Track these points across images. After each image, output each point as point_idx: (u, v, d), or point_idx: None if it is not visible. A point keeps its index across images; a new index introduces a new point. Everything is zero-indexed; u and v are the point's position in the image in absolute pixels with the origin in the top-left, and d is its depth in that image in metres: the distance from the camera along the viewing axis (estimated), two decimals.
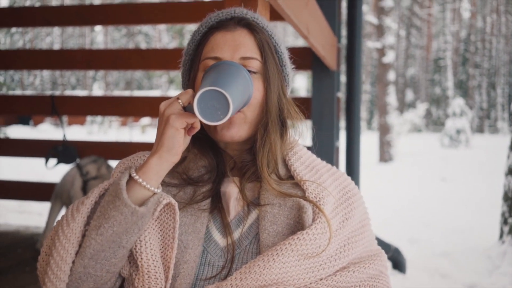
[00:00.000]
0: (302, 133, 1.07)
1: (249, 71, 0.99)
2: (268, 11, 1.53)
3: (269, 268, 0.89)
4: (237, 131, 0.98)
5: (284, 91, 1.05)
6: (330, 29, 2.84)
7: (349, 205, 1.04)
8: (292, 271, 0.91)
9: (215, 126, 0.98)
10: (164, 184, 1.02)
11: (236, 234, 0.99)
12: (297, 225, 0.96)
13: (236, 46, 0.99)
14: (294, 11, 1.78)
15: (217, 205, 1.01)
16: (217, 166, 1.04)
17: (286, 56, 1.07)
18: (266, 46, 1.01)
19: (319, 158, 1.15)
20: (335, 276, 0.96)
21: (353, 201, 1.06)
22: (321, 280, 0.95)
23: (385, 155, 15.08)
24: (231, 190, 1.02)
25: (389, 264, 3.57)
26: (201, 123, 0.92)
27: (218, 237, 0.99)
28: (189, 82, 1.05)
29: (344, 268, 0.99)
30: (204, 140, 1.04)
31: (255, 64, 0.99)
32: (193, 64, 1.04)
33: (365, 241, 1.06)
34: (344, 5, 4.06)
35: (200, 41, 1.03)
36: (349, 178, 1.13)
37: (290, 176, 1.03)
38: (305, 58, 3.21)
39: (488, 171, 11.94)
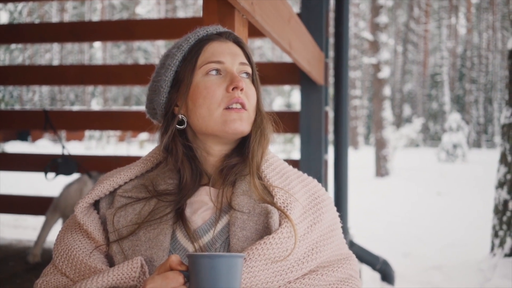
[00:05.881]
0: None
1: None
2: (246, 28, 1.56)
3: None
4: (247, 125, 1.06)
5: None
6: (316, 44, 2.89)
7: (318, 210, 1.07)
8: (260, 275, 0.93)
9: (224, 120, 1.03)
10: (132, 198, 1.06)
11: (207, 238, 1.01)
12: (266, 231, 0.99)
13: (233, 53, 1.09)
14: (274, 27, 1.80)
15: (180, 216, 1.03)
16: (192, 177, 1.07)
17: None
18: (251, 56, 1.13)
19: (290, 166, 1.18)
20: (303, 279, 0.98)
21: (322, 206, 1.09)
22: (289, 283, 0.97)
23: (381, 170, 15.10)
24: (202, 198, 1.05)
25: (378, 276, 3.59)
26: (194, 122, 1.05)
27: (186, 244, 1.01)
28: (182, 90, 1.07)
29: (312, 271, 1.01)
30: (185, 153, 1.08)
31: (249, 70, 1.11)
32: (184, 71, 1.07)
33: (334, 245, 1.08)
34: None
35: (190, 50, 1.08)
36: (320, 184, 1.16)
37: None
38: (293, 73, 3.25)
39: (483, 185, 11.97)
